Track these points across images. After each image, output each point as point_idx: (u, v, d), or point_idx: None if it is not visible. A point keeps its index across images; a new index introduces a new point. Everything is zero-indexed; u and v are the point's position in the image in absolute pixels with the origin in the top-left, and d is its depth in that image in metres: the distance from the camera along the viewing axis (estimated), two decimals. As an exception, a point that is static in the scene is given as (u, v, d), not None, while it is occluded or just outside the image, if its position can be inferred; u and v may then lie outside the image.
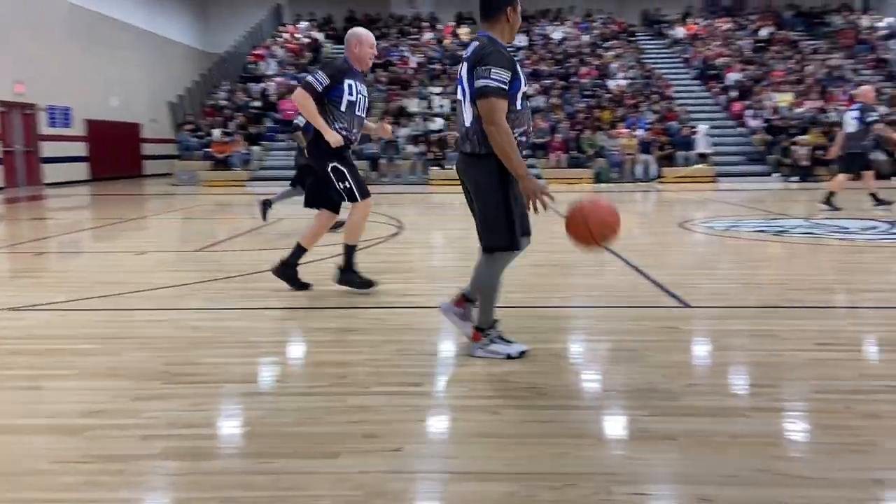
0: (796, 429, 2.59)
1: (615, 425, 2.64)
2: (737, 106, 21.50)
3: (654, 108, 21.27)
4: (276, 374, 3.34)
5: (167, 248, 7.71)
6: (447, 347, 3.69)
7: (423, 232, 9.17)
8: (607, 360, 3.47)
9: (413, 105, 21.57)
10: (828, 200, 10.48)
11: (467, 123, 3.28)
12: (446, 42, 25.66)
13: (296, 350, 3.80)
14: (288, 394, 2.99)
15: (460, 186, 3.43)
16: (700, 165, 19.02)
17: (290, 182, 8.79)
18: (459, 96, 3.33)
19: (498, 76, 3.08)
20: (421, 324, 4.17)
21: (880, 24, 26.76)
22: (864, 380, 3.02)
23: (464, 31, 26.49)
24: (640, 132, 19.58)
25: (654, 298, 4.74)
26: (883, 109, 18.34)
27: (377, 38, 28.32)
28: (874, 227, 8.41)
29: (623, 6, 28.82)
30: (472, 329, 3.45)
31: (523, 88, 3.23)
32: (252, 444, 2.47)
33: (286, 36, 26.16)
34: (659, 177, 18.79)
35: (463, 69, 3.26)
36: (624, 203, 13.92)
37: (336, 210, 5.04)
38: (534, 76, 23.22)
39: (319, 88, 4.59)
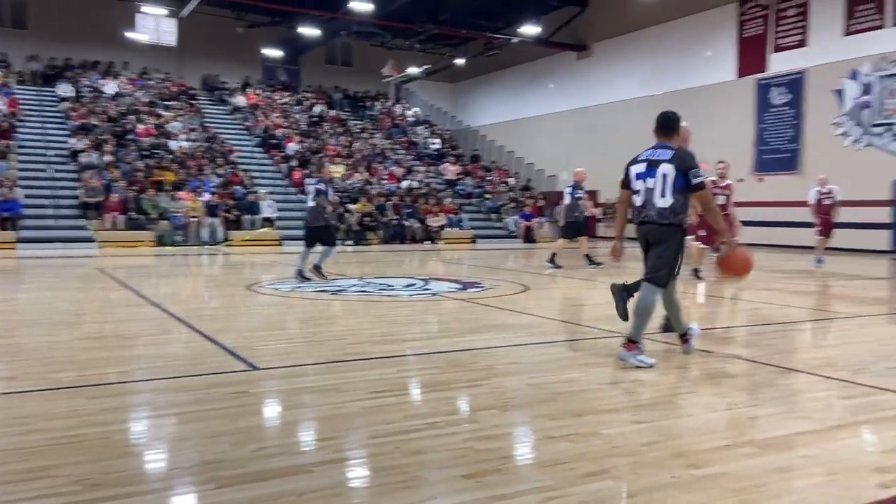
0: (357, 476, 2.77)
1: (181, 505, 2.47)
2: (297, 174, 22.92)
3: (219, 171, 21.35)
4: None
5: None
6: (-33, 448, 3.01)
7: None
8: (173, 435, 3.25)
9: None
10: (552, 260, 12.29)
11: (663, 205, 4.65)
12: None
13: None
14: None
15: (642, 245, 4.84)
16: (266, 229, 19.63)
17: (306, 243, 10.12)
18: (651, 185, 4.67)
19: (703, 174, 4.63)
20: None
21: (409, 113, 31.70)
22: (410, 420, 3.40)
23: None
24: (205, 195, 19.39)
25: (223, 364, 4.65)
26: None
27: None
28: (413, 285, 9.71)
29: (182, 68, 28.51)
30: (626, 342, 4.66)
31: None
32: None
33: None
34: (226, 240, 18.78)
35: (663, 166, 4.63)
36: (190, 267, 13.52)
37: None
38: (83, 130, 21.31)
39: None
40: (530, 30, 24.72)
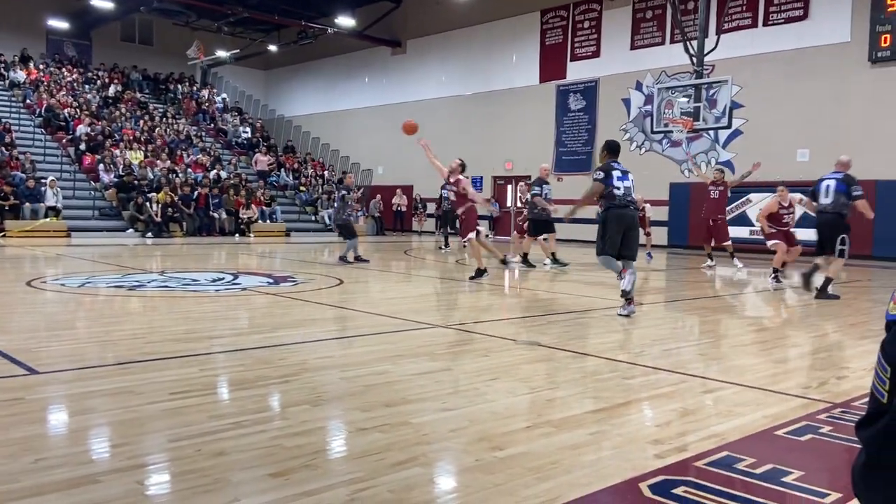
0: (152, 482, 2.58)
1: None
2: (88, 160, 20.95)
3: (-8, 154, 18.96)
4: None
5: None
6: None
7: None
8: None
9: None
10: (524, 260, 11.95)
11: (636, 199, 7.29)
12: None
13: None
14: None
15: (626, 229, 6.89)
16: (50, 219, 17.75)
17: (346, 237, 12.36)
18: (628, 184, 6.90)
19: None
20: None
21: (218, 99, 30.18)
22: (214, 421, 3.23)
23: None
24: (-26, 180, 17.14)
25: (-6, 369, 4.12)
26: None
27: None
28: (221, 279, 9.27)
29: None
30: (630, 299, 6.86)
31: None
32: None
33: None
34: (1, 230, 16.74)
35: (630, 175, 6.98)
36: (-46, 261, 11.84)
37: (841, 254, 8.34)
38: None
39: None
40: (345, 21, 24.56)
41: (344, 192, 12.87)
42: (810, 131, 16.73)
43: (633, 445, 3.05)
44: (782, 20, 17.27)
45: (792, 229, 10.71)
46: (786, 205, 10.57)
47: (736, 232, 17.73)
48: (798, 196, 10.60)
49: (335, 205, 13.43)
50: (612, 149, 7.09)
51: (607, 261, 6.95)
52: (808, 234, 15.04)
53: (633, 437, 3.18)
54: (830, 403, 3.80)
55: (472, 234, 9.95)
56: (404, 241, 19.38)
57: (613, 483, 2.62)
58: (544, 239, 12.27)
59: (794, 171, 16.92)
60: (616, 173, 6.88)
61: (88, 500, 2.35)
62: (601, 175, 6.90)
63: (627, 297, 6.80)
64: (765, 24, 17.58)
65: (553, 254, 12.19)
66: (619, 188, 6.82)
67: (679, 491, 2.55)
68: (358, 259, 12.12)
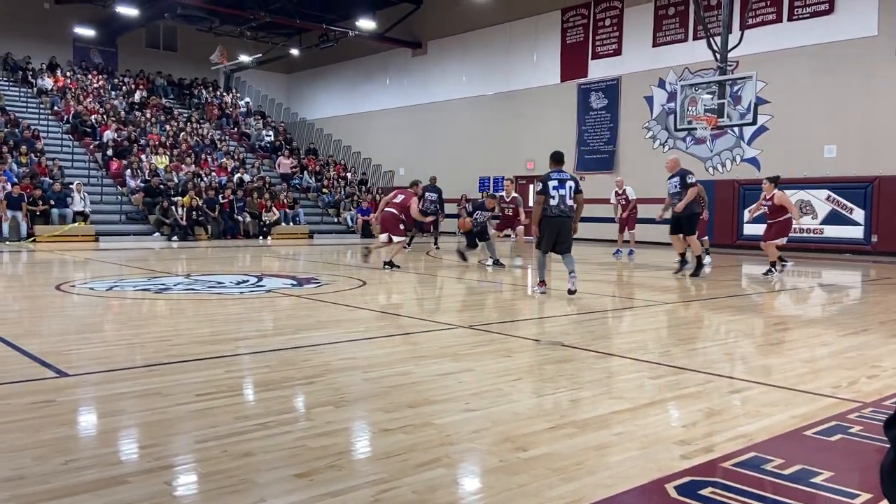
0: (180, 483, 2.61)
1: (-29, 532, 2.20)
2: (115, 165, 21.25)
3: (23, 160, 19.32)
4: None
5: None
6: None
7: None
8: (-39, 454, 2.88)
9: None
10: (684, 264, 10.67)
11: (571, 204, 7.90)
12: None
13: None
14: None
15: (558, 233, 7.93)
16: (78, 224, 18.05)
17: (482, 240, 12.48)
18: (563, 192, 7.84)
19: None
20: None
21: (241, 103, 30.47)
22: (240, 422, 3.26)
23: None
24: (7, 186, 17.48)
25: (25, 371, 4.20)
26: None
27: None
28: (245, 281, 9.35)
29: (-23, 44, 25.45)
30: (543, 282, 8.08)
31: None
32: None
33: None
34: (31, 236, 17.05)
35: (568, 182, 7.92)
36: (-13, 266, 12.09)
37: None
38: None
39: None
40: (366, 24, 24.66)
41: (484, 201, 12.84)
42: (837, 127, 16.46)
43: (658, 446, 3.02)
44: (808, 14, 17.02)
45: (774, 220, 10.92)
46: (768, 196, 10.92)
47: (758, 230, 17.54)
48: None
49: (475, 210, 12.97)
50: (556, 159, 8.01)
51: (541, 263, 8.16)
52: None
53: (658, 437, 3.15)
54: (861, 403, 3.73)
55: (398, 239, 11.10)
56: (425, 243, 19.40)
57: (639, 484, 2.60)
58: (683, 238, 10.64)
59: (822, 167, 16.66)
60: (552, 183, 7.84)
61: (117, 500, 2.38)
62: (539, 187, 7.97)
63: (543, 280, 8.13)
64: (790, 19, 17.34)
65: (682, 254, 10.90)
66: (553, 197, 7.82)
67: (706, 492, 2.53)
68: (496, 263, 11.80)
